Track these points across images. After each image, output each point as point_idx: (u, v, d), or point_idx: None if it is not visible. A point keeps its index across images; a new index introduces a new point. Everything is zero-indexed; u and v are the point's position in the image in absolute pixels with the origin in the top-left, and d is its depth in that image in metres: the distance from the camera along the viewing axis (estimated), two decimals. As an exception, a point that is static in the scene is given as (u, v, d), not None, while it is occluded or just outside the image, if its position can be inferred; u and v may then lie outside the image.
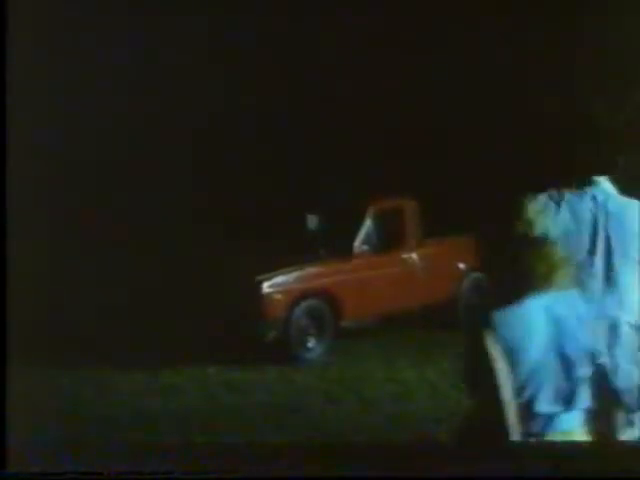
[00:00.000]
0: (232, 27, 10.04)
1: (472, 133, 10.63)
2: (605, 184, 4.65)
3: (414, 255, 10.22)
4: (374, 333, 9.76)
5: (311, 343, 9.21)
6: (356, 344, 9.49)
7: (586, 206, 4.63)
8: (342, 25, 9.99)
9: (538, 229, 4.46)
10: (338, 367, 8.75)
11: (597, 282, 4.55)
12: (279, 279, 9.18)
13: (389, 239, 10.01)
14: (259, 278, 9.04)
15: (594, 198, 4.62)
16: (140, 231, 9.68)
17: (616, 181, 4.60)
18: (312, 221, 10.07)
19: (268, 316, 8.93)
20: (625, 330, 4.47)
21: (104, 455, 5.87)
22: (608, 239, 4.60)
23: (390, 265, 9.97)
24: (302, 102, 10.84)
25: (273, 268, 9.20)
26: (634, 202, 4.60)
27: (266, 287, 9.02)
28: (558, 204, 4.58)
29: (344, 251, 9.70)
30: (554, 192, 4.60)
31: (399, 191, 10.16)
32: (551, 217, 4.57)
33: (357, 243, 9.78)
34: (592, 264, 4.58)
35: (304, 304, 9.16)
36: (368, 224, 9.87)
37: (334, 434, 6.75)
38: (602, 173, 4.63)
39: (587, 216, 4.61)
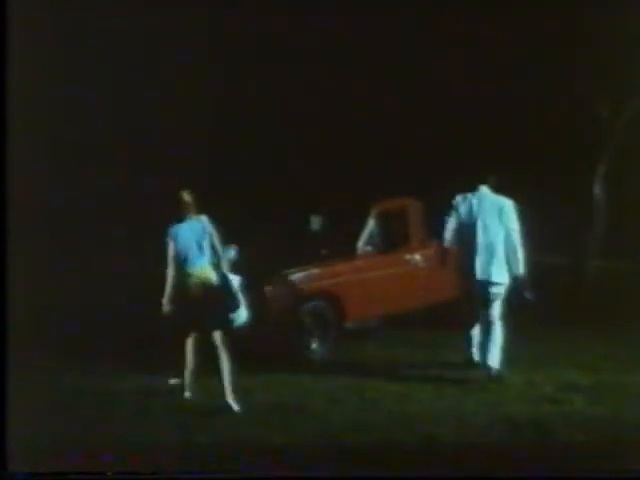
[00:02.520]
0: (233, 25, 10.05)
1: (475, 134, 10.62)
2: (483, 189, 7.75)
3: (417, 256, 10.20)
4: (377, 333, 9.75)
5: (314, 344, 9.19)
6: (359, 345, 9.48)
7: (472, 203, 7.79)
8: (344, 25, 9.99)
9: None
10: (341, 368, 8.72)
11: (479, 258, 7.74)
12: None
13: (392, 240, 10.00)
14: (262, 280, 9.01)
15: (476, 198, 7.82)
16: (141, 230, 9.67)
17: (492, 186, 7.70)
18: (315, 222, 10.05)
19: (271, 317, 8.89)
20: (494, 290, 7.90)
21: (104, 455, 5.87)
22: (485, 227, 7.59)
23: (393, 266, 9.95)
24: (304, 102, 10.83)
25: (276, 269, 9.17)
26: (504, 200, 7.69)
27: (269, 288, 8.99)
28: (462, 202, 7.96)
29: (347, 252, 9.67)
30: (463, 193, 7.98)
31: (402, 191, 10.15)
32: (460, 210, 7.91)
33: (360, 244, 9.75)
34: (475, 244, 7.72)
35: (308, 305, 9.13)
36: (371, 225, 9.84)
37: (336, 435, 6.73)
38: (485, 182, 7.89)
39: (474, 210, 7.70)
